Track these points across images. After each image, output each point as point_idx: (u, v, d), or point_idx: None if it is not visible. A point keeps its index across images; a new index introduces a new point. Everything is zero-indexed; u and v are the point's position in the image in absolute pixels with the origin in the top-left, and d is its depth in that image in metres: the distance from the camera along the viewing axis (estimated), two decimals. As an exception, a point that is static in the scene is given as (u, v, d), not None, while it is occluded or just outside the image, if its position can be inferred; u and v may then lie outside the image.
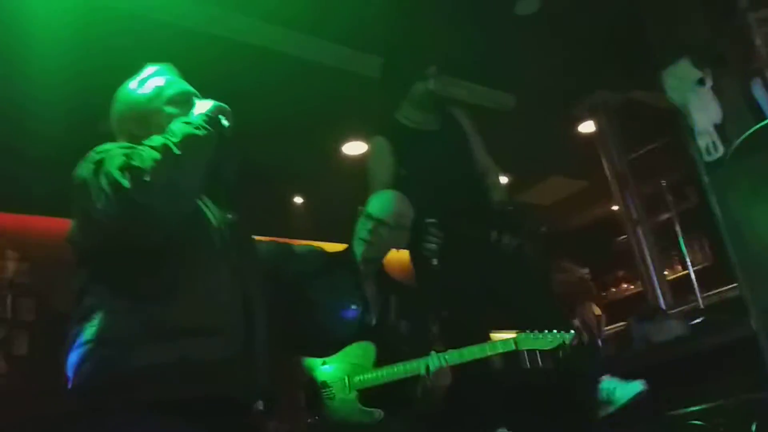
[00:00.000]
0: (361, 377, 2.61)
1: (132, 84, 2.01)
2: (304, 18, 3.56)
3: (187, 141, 1.73)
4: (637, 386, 2.90)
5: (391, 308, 2.89)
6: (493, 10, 3.63)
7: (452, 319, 3.11)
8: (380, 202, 2.93)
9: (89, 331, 1.68)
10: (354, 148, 5.05)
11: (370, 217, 2.87)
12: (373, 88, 4.04)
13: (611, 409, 2.92)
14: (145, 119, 1.93)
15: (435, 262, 3.10)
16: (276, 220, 5.15)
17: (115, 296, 1.71)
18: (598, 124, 4.83)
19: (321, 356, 2.65)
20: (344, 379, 2.61)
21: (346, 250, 2.96)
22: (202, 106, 1.90)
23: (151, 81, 2.00)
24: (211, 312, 1.74)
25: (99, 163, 1.69)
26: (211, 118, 1.85)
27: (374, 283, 2.90)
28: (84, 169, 1.73)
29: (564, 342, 2.67)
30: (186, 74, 2.07)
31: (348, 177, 4.99)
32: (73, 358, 1.67)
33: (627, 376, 3.38)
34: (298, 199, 5.66)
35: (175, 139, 1.72)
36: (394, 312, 2.88)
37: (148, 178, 1.62)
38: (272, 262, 2.78)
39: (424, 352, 2.65)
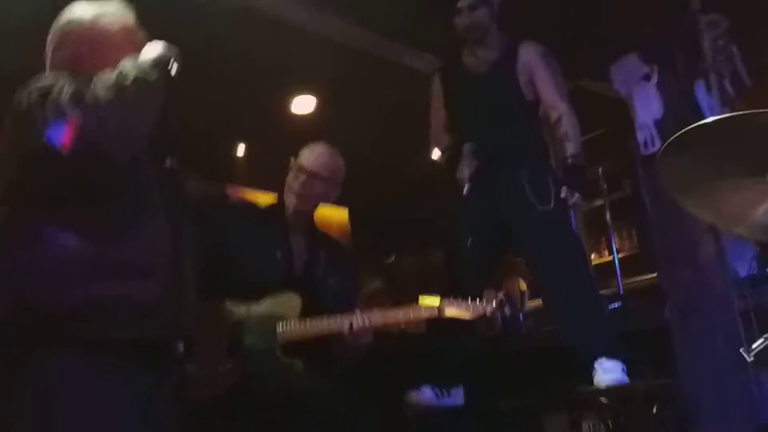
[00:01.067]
0: (285, 327, 2.60)
1: (79, 11, 1.94)
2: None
3: (139, 83, 1.70)
4: (617, 375, 2.89)
5: (319, 263, 2.89)
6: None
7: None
8: (312, 155, 2.90)
9: (18, 260, 1.66)
10: (302, 102, 5.03)
11: (302, 169, 2.85)
12: (331, 48, 4.05)
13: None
14: (91, 52, 1.87)
15: (465, 189, 3.22)
16: (218, 165, 5.12)
17: (49, 228, 1.68)
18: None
19: (246, 302, 2.66)
20: (267, 327, 2.61)
21: (277, 203, 2.95)
22: (153, 48, 1.85)
23: (103, 14, 1.93)
24: (147, 255, 1.74)
25: (45, 92, 1.65)
26: (162, 61, 1.81)
27: (303, 236, 2.90)
28: (26, 97, 1.67)
29: (485, 313, 2.72)
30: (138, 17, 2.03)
31: (294, 129, 5.02)
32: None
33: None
34: (241, 148, 5.63)
35: (126, 81, 1.68)
36: (322, 267, 2.89)
37: (100, 114, 1.60)
38: (207, 205, 2.76)
39: (348, 310, 2.67)
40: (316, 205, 2.94)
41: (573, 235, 3.38)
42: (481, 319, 2.73)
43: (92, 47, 1.88)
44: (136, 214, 1.76)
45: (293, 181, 2.86)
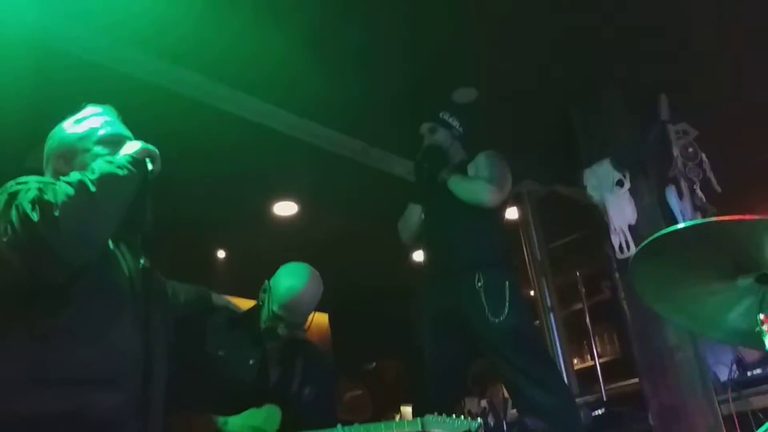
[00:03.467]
0: None
1: (68, 122, 1.98)
2: (249, 79, 3.61)
3: (106, 179, 1.69)
4: None
5: (295, 372, 2.83)
6: (431, 95, 3.78)
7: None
8: (296, 298, 2.76)
9: None
10: (284, 208, 5.07)
11: (279, 318, 2.75)
12: (310, 152, 4.14)
13: None
14: (73, 157, 1.89)
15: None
16: (197, 271, 5.09)
17: (6, 333, 1.63)
18: (521, 211, 4.98)
19: (223, 415, 2.58)
20: None
21: (253, 309, 2.88)
22: (130, 147, 1.86)
23: (87, 121, 1.97)
24: (108, 362, 1.67)
25: (13, 195, 1.65)
26: (136, 160, 1.81)
27: (280, 345, 2.84)
28: None
29: (470, 430, 2.66)
30: (124, 119, 2.07)
31: (275, 235, 5.03)
32: None
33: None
34: (222, 253, 5.62)
35: (92, 177, 1.68)
36: (298, 377, 2.83)
37: (57, 213, 1.58)
38: (192, 307, 2.71)
39: (325, 421, 2.60)
40: None
41: (531, 344, 3.28)
42: None
43: (66, 159, 1.91)
44: (95, 318, 1.70)
45: (272, 327, 2.75)
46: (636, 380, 3.63)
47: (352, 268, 5.71)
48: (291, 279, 2.80)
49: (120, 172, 1.74)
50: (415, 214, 3.55)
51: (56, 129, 1.99)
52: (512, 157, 3.44)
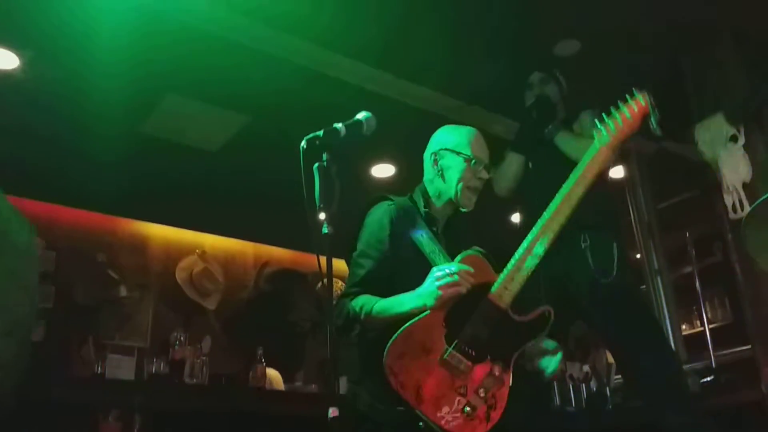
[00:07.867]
0: None
1: None
2: (348, 41, 3.61)
3: None
4: None
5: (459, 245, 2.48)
6: (532, 49, 3.67)
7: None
8: (478, 141, 2.52)
9: None
10: (382, 170, 5.06)
11: (479, 161, 2.47)
12: (411, 114, 4.09)
13: None
14: None
15: None
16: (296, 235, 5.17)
17: None
18: (628, 170, 4.80)
19: None
20: None
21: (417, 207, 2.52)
22: None
23: None
24: None
25: None
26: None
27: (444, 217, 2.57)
28: None
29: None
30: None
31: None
32: None
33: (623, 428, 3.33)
34: (321, 215, 5.68)
35: None
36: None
37: None
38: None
39: None
40: None
41: (640, 306, 3.24)
42: None
43: None
44: None
45: (469, 177, 2.45)
46: (748, 347, 3.47)
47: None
48: (457, 128, 2.62)
49: None
50: (514, 163, 3.43)
51: None
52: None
